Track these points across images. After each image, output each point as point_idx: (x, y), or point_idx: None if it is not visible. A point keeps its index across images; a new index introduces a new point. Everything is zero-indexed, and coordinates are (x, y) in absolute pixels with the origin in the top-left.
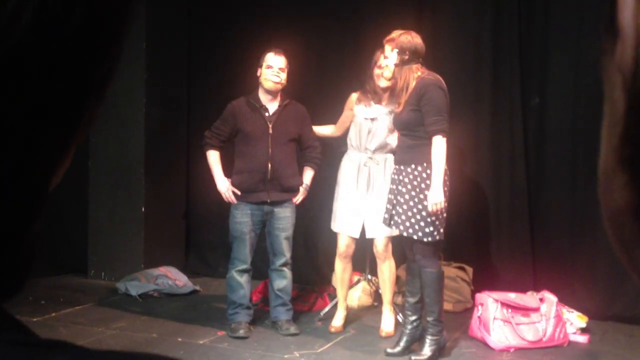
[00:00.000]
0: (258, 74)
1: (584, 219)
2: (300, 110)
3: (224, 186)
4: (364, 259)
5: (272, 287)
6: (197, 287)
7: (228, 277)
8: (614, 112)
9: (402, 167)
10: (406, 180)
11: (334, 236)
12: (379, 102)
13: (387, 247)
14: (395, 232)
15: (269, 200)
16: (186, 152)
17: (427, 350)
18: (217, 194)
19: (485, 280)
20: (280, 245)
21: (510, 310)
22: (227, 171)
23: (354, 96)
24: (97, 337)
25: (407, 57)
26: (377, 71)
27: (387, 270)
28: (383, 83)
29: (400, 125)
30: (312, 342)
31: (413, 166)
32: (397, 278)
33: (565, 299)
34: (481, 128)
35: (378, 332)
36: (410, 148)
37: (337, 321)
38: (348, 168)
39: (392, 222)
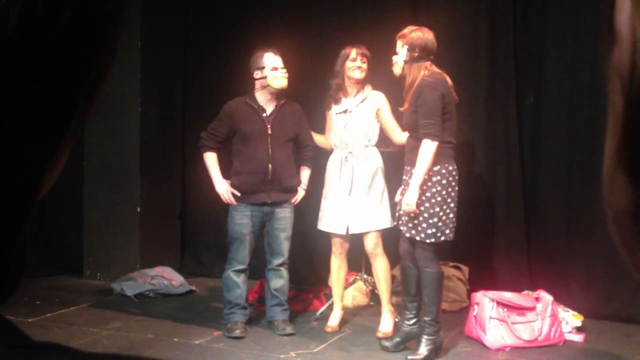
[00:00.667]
0: (257, 75)
1: (579, 218)
2: (296, 110)
3: (223, 188)
4: (359, 258)
5: (269, 287)
6: (193, 287)
7: (224, 277)
8: (615, 116)
9: (407, 168)
10: (410, 181)
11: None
12: (347, 96)
13: (376, 244)
14: (379, 226)
15: (269, 201)
16: (182, 153)
17: (423, 350)
18: (213, 194)
19: (481, 280)
20: (279, 245)
21: (506, 310)
22: (224, 172)
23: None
24: (93, 338)
25: (416, 54)
26: (349, 64)
27: (380, 268)
28: (358, 74)
29: (404, 124)
30: (308, 342)
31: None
32: (392, 278)
33: (561, 298)
34: (477, 128)
35: (374, 332)
36: (413, 149)
37: (333, 321)
38: (331, 166)
39: (400, 222)
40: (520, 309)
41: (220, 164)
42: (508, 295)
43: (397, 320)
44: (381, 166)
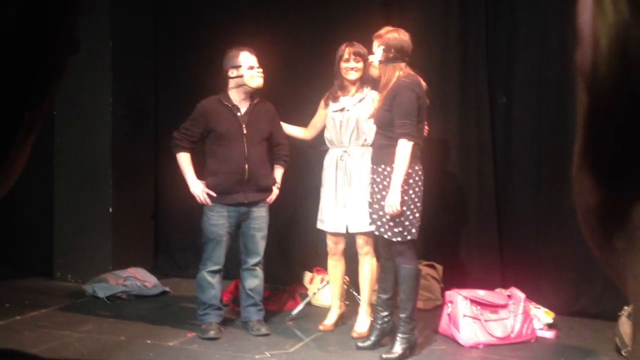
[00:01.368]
0: (232, 74)
1: (549, 217)
2: (269, 109)
3: (199, 189)
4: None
5: (244, 287)
6: (167, 288)
7: (198, 278)
8: (579, 116)
9: (374, 167)
10: (377, 180)
11: (306, 236)
12: (346, 95)
13: (367, 243)
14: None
15: (246, 201)
16: (154, 152)
17: (398, 349)
18: (187, 194)
19: (454, 278)
20: (256, 245)
21: (479, 308)
22: (197, 172)
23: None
24: (64, 341)
25: (392, 55)
26: (343, 65)
27: (367, 267)
28: (352, 76)
29: (376, 123)
30: (283, 342)
31: (383, 166)
32: None
33: (532, 296)
34: (449, 127)
35: (350, 331)
36: (381, 148)
37: (329, 320)
38: (327, 166)
39: (370, 220)
40: (493, 307)
41: (193, 163)
42: (481, 293)
43: (371, 319)
44: None
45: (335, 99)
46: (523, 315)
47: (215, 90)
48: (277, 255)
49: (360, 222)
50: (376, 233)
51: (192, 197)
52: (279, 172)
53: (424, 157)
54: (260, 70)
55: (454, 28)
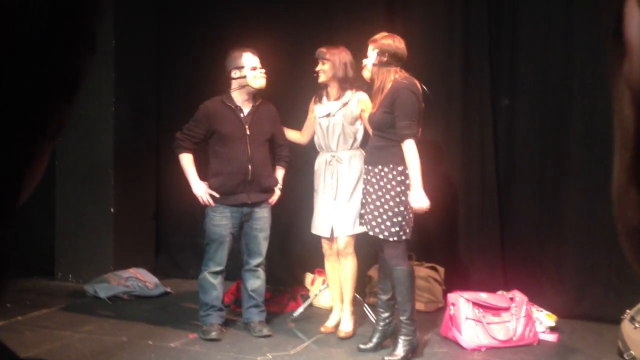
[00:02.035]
0: (235, 75)
1: (552, 219)
2: (271, 110)
3: (201, 190)
4: None
5: (246, 288)
6: (168, 289)
7: (200, 279)
8: (625, 130)
9: (370, 168)
10: (373, 180)
11: (307, 237)
12: (329, 98)
13: (348, 244)
14: (358, 230)
15: (249, 202)
16: (156, 152)
17: (400, 351)
18: (188, 194)
19: (456, 280)
20: (258, 245)
21: (481, 310)
22: (199, 173)
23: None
24: (65, 341)
25: (385, 59)
26: (317, 67)
27: (348, 267)
28: (320, 78)
29: (373, 124)
30: (285, 344)
31: (380, 167)
32: (370, 278)
33: (535, 298)
34: (451, 129)
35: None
36: (378, 149)
37: (331, 322)
38: (317, 170)
39: (362, 221)
40: (495, 309)
41: (196, 164)
42: (484, 296)
43: (372, 318)
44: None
45: (321, 101)
46: (525, 318)
47: (218, 91)
48: (279, 256)
49: (343, 226)
50: (371, 233)
51: (193, 197)
52: (280, 173)
53: (425, 158)
54: (263, 70)
55: (457, 30)
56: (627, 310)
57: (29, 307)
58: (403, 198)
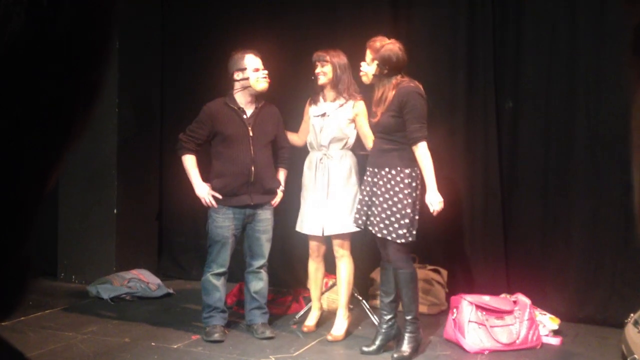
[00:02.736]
0: (237, 76)
1: (555, 222)
2: (274, 112)
3: (204, 191)
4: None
5: (248, 290)
6: (171, 290)
7: (203, 280)
8: None
9: (376, 170)
10: (380, 183)
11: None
12: (325, 99)
13: (343, 245)
14: (351, 229)
15: (252, 203)
16: (159, 153)
17: (406, 347)
18: (191, 195)
19: (459, 283)
20: (261, 247)
21: (484, 313)
22: (202, 174)
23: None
24: (68, 342)
25: (386, 70)
26: (317, 70)
27: (344, 269)
28: (320, 80)
29: (378, 128)
30: (287, 346)
31: (387, 169)
32: (372, 281)
33: (538, 302)
34: (455, 132)
35: (354, 336)
36: (384, 152)
37: (310, 321)
38: (307, 168)
39: (368, 223)
40: (498, 313)
41: (198, 166)
42: (487, 299)
43: (374, 320)
44: (355, 169)
45: (316, 102)
46: (529, 322)
47: (221, 93)
48: (281, 258)
49: (336, 225)
50: (379, 235)
51: (196, 199)
52: (282, 175)
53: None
54: (266, 72)
55: (461, 34)
56: (631, 314)
57: (32, 308)
58: (410, 200)
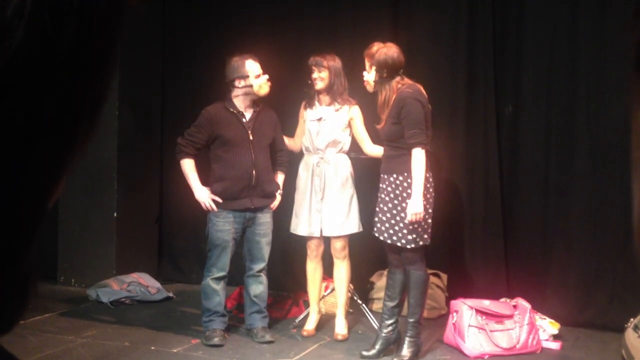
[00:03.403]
0: (239, 84)
1: (556, 227)
2: (272, 115)
3: (204, 195)
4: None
5: (248, 294)
6: (170, 294)
7: (203, 284)
8: None
9: (385, 176)
10: (389, 189)
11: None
12: (321, 104)
13: (343, 247)
14: (349, 230)
15: (252, 207)
16: (159, 157)
17: (406, 352)
18: (191, 199)
19: (459, 287)
20: (261, 250)
21: (484, 317)
22: (201, 178)
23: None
24: (67, 346)
25: (385, 74)
26: (312, 76)
27: (343, 271)
28: (318, 85)
29: (384, 136)
30: (287, 350)
31: (395, 175)
32: (372, 284)
33: (538, 306)
34: (456, 137)
35: (354, 339)
36: (391, 158)
37: (310, 325)
38: (303, 171)
39: (375, 229)
40: (498, 317)
41: (197, 169)
42: (487, 303)
43: (374, 324)
44: (351, 172)
45: (312, 106)
46: (529, 326)
47: (221, 96)
48: (281, 262)
49: (335, 226)
50: (388, 241)
51: (196, 202)
52: (280, 178)
53: (431, 165)
54: (267, 77)
55: (461, 37)
56: (631, 319)
57: (31, 311)
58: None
